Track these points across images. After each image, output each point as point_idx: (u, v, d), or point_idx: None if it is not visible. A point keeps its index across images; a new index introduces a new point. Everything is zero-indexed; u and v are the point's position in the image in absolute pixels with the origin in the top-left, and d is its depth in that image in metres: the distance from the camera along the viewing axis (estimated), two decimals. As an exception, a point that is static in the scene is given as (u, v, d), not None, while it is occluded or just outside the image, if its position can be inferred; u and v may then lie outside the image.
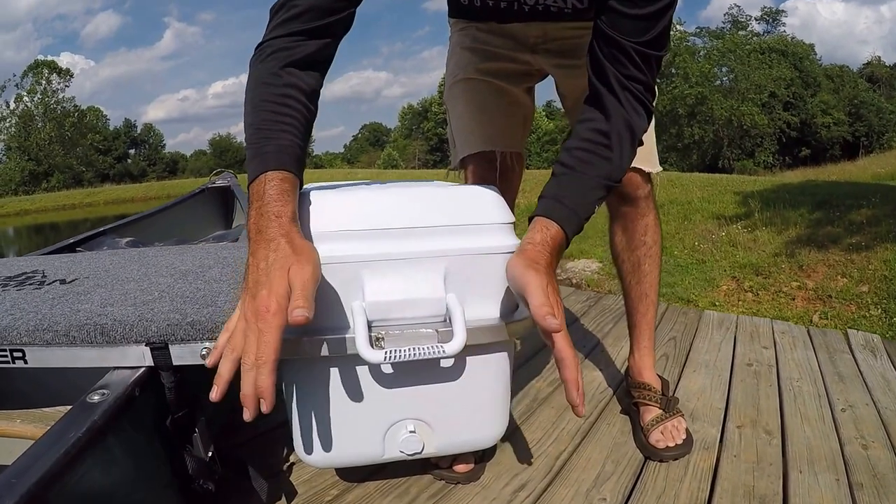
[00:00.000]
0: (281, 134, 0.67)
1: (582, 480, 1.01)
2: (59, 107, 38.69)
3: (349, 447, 0.80)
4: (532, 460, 1.07)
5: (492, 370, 0.82)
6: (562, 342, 0.64)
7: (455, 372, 0.79)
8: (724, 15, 30.79)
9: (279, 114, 0.68)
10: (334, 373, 0.76)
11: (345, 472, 1.01)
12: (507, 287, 0.76)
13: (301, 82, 0.71)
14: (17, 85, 37.93)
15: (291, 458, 1.05)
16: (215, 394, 0.58)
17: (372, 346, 0.69)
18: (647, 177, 1.08)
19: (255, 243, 0.62)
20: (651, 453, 1.08)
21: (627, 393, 1.23)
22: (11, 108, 37.29)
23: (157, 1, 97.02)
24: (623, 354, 1.55)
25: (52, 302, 0.82)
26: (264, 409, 0.56)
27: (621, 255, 1.17)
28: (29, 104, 37.64)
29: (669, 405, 1.14)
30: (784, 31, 32.29)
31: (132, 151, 49.29)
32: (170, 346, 0.70)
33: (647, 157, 1.05)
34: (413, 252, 0.73)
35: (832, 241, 4.87)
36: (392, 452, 0.82)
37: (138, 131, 50.29)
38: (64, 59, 52.41)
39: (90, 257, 1.21)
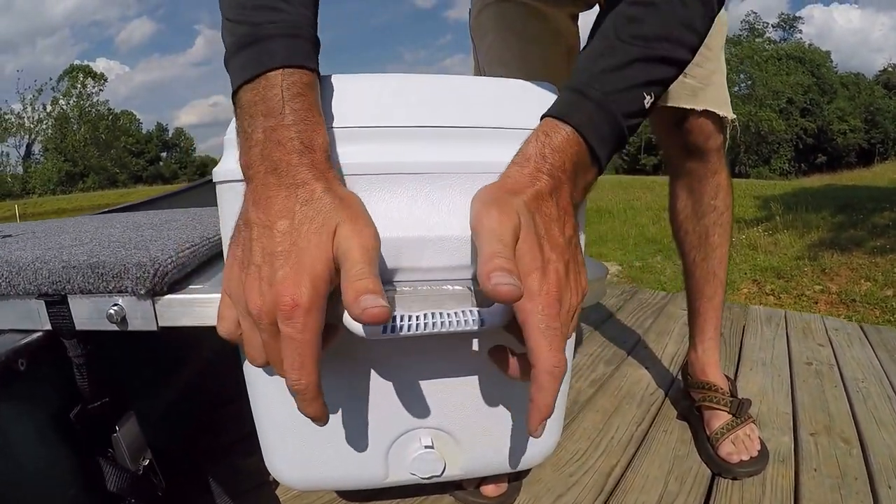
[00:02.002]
0: (295, 6, 0.42)
1: (642, 503, 0.83)
2: (94, 110, 39.90)
3: (338, 465, 0.56)
4: (578, 478, 0.89)
5: None
6: (533, 331, 0.38)
7: None
8: (741, 22, 30.99)
9: None
10: None
11: (344, 487, 0.84)
12: None
13: None
14: (52, 88, 39.31)
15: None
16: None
17: None
18: (720, 124, 0.88)
19: (264, 188, 0.38)
20: (722, 469, 0.89)
21: (686, 395, 1.04)
22: (48, 110, 38.53)
23: (189, 8, 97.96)
24: (669, 351, 1.40)
25: None
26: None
27: (685, 223, 0.96)
28: (64, 107, 38.85)
29: (741, 409, 0.94)
30: (800, 39, 32.30)
31: (164, 154, 50.21)
32: (69, 298, 0.48)
33: (720, 98, 0.85)
34: (438, 163, 0.47)
35: (855, 245, 4.78)
36: (399, 474, 0.58)
37: (170, 135, 51.15)
38: (100, 65, 54.51)
39: (61, 220, 1.02)
